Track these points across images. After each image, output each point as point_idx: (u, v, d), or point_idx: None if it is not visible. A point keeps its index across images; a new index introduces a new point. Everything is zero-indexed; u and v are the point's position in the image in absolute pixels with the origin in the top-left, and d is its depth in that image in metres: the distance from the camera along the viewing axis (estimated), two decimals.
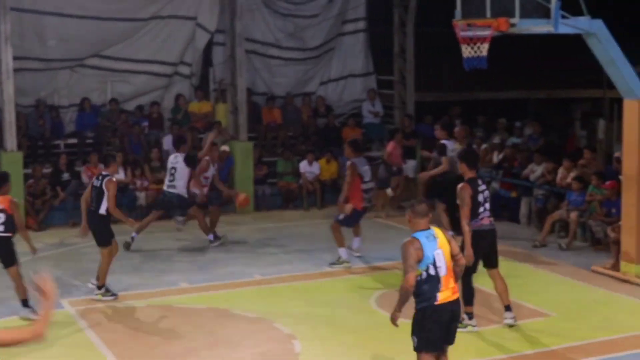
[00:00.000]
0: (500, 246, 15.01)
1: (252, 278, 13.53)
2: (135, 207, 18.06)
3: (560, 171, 16.44)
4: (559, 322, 11.25)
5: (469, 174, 10.74)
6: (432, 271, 7.77)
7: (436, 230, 7.95)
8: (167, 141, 19.56)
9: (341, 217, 13.91)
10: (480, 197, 10.64)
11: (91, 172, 17.88)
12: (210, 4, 20.98)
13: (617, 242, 13.39)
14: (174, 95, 21.10)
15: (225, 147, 19.29)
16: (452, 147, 15.09)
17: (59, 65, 20.24)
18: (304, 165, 19.54)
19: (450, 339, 8.07)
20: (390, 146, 18.41)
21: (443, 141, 15.45)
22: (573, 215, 15.34)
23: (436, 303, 7.80)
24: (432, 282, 7.78)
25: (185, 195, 15.42)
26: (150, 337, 10.81)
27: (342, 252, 14.00)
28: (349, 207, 13.79)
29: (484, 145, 19.00)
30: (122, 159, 18.31)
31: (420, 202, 8.15)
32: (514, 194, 17.73)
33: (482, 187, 10.79)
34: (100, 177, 12.14)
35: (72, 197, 17.74)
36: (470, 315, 10.81)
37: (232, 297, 12.47)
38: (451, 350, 8.24)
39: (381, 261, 14.33)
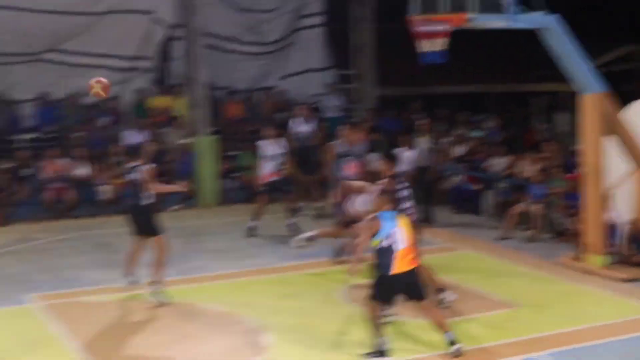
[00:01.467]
0: (464, 238, 15.26)
1: (218, 272, 13.49)
2: (97, 202, 17.94)
3: (522, 164, 16.60)
4: (524, 314, 11.33)
5: (388, 172, 11.10)
6: (385, 244, 9.13)
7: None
8: (127, 136, 19.42)
9: None
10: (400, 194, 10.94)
11: (51, 167, 17.75)
12: None
13: (580, 234, 13.56)
14: (134, 90, 20.95)
15: (185, 141, 19.24)
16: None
17: (15, 59, 20.03)
18: None
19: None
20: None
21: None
22: (535, 207, 15.50)
23: (391, 273, 9.16)
24: (387, 253, 9.14)
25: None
26: (118, 332, 10.74)
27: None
28: None
29: (445, 139, 19.13)
30: (84, 154, 18.18)
31: (387, 190, 9.78)
32: (476, 187, 17.87)
33: (402, 185, 10.98)
34: (133, 169, 11.81)
35: (35, 192, 17.59)
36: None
37: (198, 292, 12.41)
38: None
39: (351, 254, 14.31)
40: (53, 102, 20.02)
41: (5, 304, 11.88)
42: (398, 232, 9.23)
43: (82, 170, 18.06)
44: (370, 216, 9.39)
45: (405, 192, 11.01)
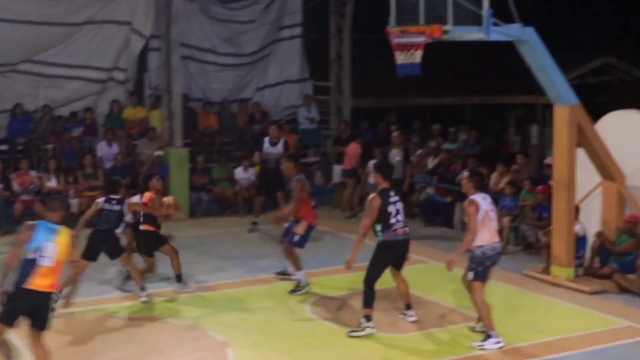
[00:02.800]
0: (434, 251, 15.20)
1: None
2: (68, 215, 17.78)
3: (494, 176, 16.62)
4: None
5: (383, 184, 10.99)
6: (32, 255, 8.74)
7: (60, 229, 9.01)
8: (100, 147, 19.34)
9: (296, 238, 12.85)
10: (392, 208, 10.81)
11: (22, 180, 17.62)
12: (146, 9, 20.85)
13: (548, 246, 13.56)
14: (109, 101, 20.88)
15: (159, 153, 19.15)
16: None
17: None
18: (239, 172, 19.45)
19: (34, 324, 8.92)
20: (353, 147, 18.84)
21: None
22: (506, 220, 15.50)
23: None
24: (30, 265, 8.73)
25: None
26: (81, 347, 10.65)
27: (302, 275, 12.98)
28: (303, 225, 12.80)
29: (419, 151, 19.14)
30: (55, 166, 18.06)
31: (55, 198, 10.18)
32: (448, 199, 17.86)
33: (394, 198, 10.90)
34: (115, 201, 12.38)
35: (5, 205, 17.45)
36: (369, 318, 10.86)
37: (165, 305, 12.34)
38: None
39: (315, 267, 14.20)
40: (26, 113, 19.87)
41: None
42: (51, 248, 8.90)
43: (53, 183, 17.93)
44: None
45: (398, 206, 10.91)
